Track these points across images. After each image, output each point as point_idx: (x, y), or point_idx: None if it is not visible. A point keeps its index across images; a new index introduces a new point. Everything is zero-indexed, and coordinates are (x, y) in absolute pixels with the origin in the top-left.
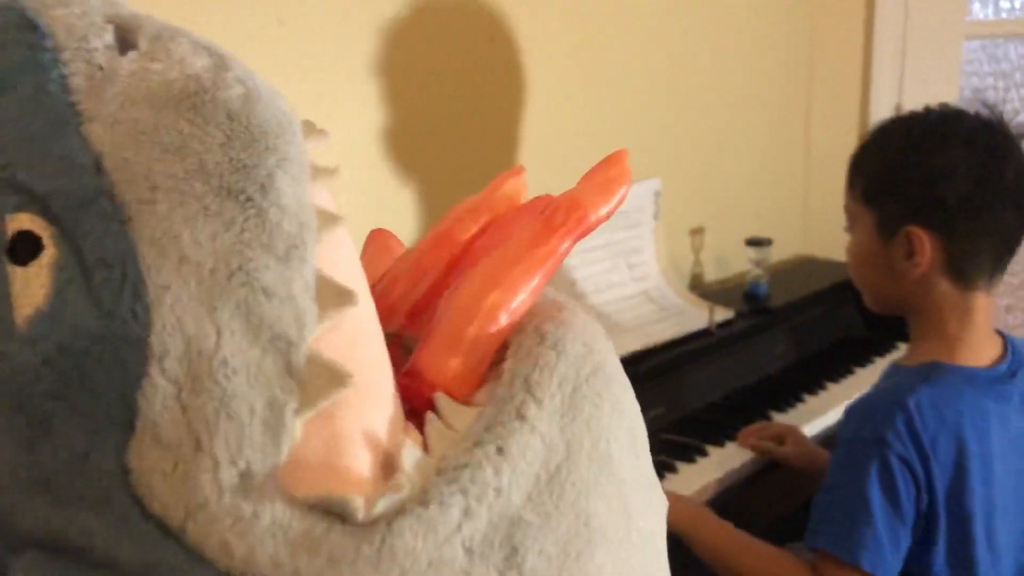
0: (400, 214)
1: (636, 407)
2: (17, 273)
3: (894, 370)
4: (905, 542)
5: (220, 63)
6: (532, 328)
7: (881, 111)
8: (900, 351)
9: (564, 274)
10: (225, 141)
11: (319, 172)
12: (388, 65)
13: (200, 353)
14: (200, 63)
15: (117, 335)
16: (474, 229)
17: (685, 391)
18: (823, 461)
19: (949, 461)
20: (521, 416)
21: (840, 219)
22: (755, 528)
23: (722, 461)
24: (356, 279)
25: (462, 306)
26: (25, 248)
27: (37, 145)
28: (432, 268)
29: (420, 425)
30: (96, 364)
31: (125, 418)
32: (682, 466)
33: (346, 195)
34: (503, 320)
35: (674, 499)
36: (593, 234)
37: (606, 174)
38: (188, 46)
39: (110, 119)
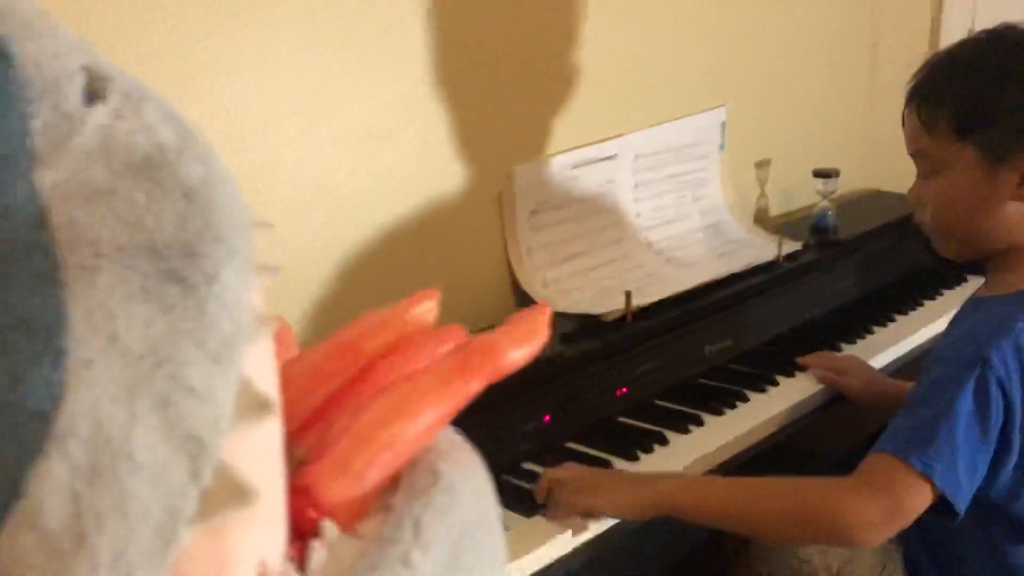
0: (446, 150)
1: (505, 562)
2: None
3: (979, 303)
4: (982, 469)
5: (185, 137)
6: (427, 465)
7: (953, 37)
8: (969, 284)
9: (627, 207)
10: (178, 223)
11: (262, 270)
12: None
13: (108, 441)
14: (167, 133)
15: (21, 404)
16: (382, 344)
17: (752, 323)
18: (890, 392)
19: None
20: (406, 562)
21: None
22: (818, 463)
23: (791, 392)
24: (275, 388)
25: (363, 431)
26: None
27: None
28: (332, 376)
29: (299, 547)
30: None
31: (6, 496)
32: (753, 395)
33: (391, 138)
34: (402, 452)
35: (648, 482)
36: (659, 167)
37: (528, 326)
38: (157, 112)
39: (65, 171)
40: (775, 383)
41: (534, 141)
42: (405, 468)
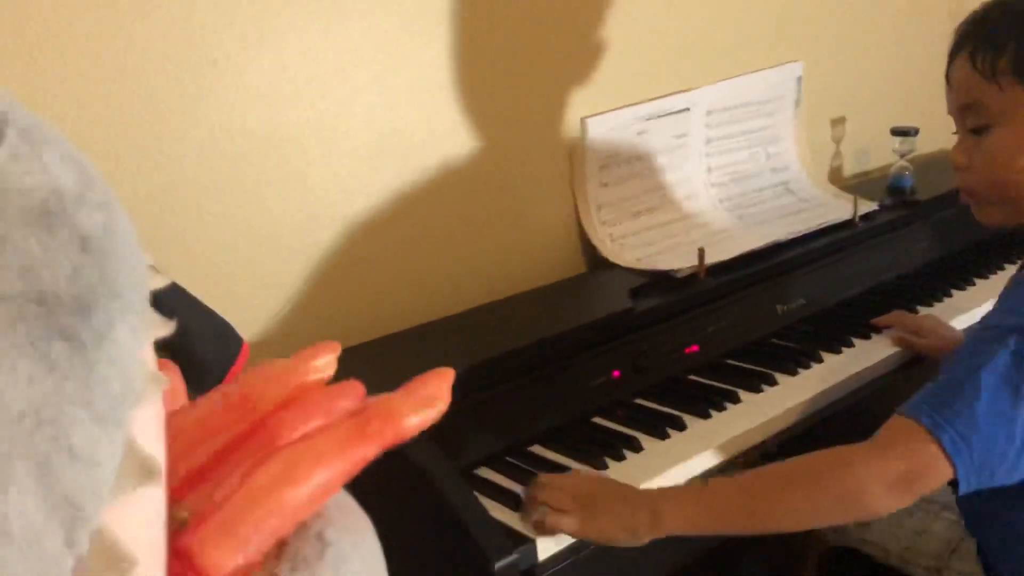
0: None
1: None
2: None
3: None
4: (1010, 447)
5: (86, 182)
6: (315, 533)
7: None
8: None
9: (698, 163)
10: (72, 275)
11: (155, 325)
12: None
13: None
14: (66, 178)
15: None
16: (276, 397)
17: (826, 284)
18: None
19: None
20: None
21: None
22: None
23: (866, 354)
24: (161, 451)
25: (250, 495)
26: None
27: None
28: (220, 431)
29: None
30: None
31: None
32: (827, 356)
33: (397, 127)
34: (290, 518)
35: (650, 505)
36: (731, 122)
37: (428, 390)
38: (57, 153)
39: None
40: (851, 344)
41: (607, 93)
42: (291, 533)
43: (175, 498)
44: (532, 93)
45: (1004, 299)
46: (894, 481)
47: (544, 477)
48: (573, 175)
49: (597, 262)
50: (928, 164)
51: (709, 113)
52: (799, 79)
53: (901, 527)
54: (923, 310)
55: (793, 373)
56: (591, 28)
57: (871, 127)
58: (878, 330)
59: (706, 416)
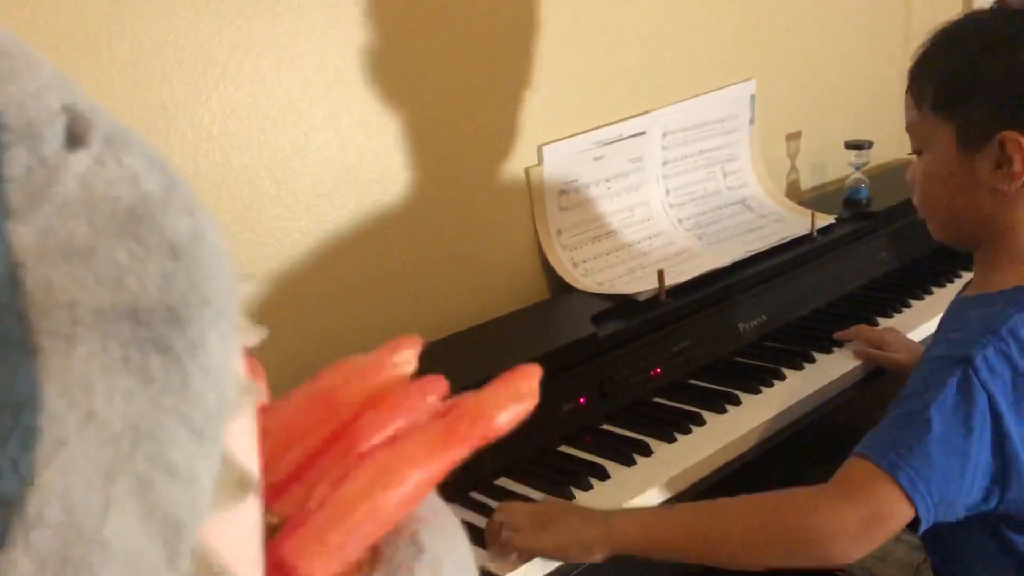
0: (390, 141)
1: None
2: None
3: (965, 303)
4: (969, 478)
5: (171, 186)
6: (408, 536)
7: (985, 4)
8: None
9: (657, 184)
10: (163, 284)
11: (248, 332)
12: None
13: (80, 530)
14: (152, 182)
15: None
16: (359, 395)
17: (787, 299)
18: None
19: None
20: None
21: None
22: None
23: (828, 369)
24: (256, 463)
25: (344, 501)
26: None
27: None
28: (308, 432)
29: None
30: None
31: None
32: (790, 372)
33: (330, 124)
34: (383, 523)
35: (603, 520)
36: (687, 142)
37: (518, 388)
38: (142, 158)
39: (42, 225)
40: (812, 360)
41: (562, 120)
42: (385, 537)
43: (265, 504)
44: (488, 123)
45: (947, 326)
46: (857, 531)
47: (503, 504)
48: (532, 202)
49: (560, 287)
50: (883, 176)
51: (665, 135)
52: (753, 97)
53: None
54: (883, 321)
55: (756, 391)
56: (545, 56)
57: (826, 141)
58: (840, 344)
59: (671, 440)
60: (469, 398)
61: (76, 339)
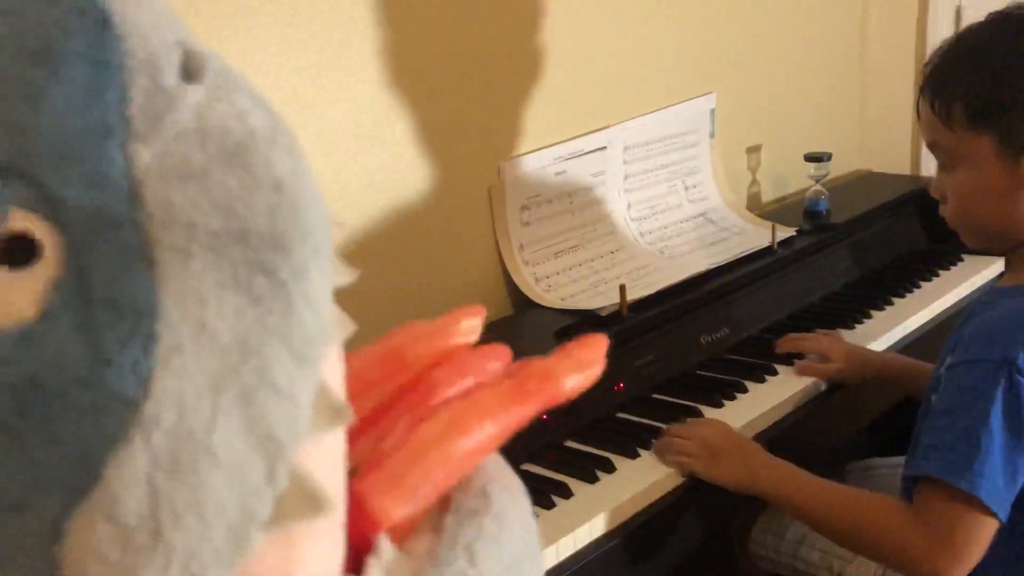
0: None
1: None
2: (1, 276)
3: (1000, 293)
4: (1021, 476)
5: (275, 126)
6: (477, 488)
7: (940, 17)
8: (965, 263)
9: (618, 199)
10: (269, 214)
11: (340, 270)
12: None
13: (191, 434)
14: (258, 119)
15: (107, 387)
16: (426, 355)
17: (749, 312)
18: (873, 361)
19: None
20: None
21: (899, 131)
22: (825, 451)
23: (791, 381)
24: (344, 395)
25: (419, 445)
26: (19, 252)
27: (73, 146)
28: (377, 384)
29: (351, 561)
30: (69, 411)
31: (82, 481)
32: (752, 386)
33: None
34: (455, 470)
35: (756, 468)
36: (648, 157)
37: (584, 355)
38: (249, 97)
39: (161, 148)
40: (774, 372)
41: (522, 136)
42: (454, 487)
43: None
44: (448, 140)
45: (980, 313)
46: (956, 561)
47: (687, 424)
48: (494, 218)
49: (523, 303)
50: (842, 187)
51: (626, 149)
52: (713, 110)
53: (835, 552)
54: (845, 332)
55: (719, 405)
56: (506, 72)
57: (786, 154)
58: (801, 356)
59: (634, 456)
60: (537, 362)
61: (191, 255)
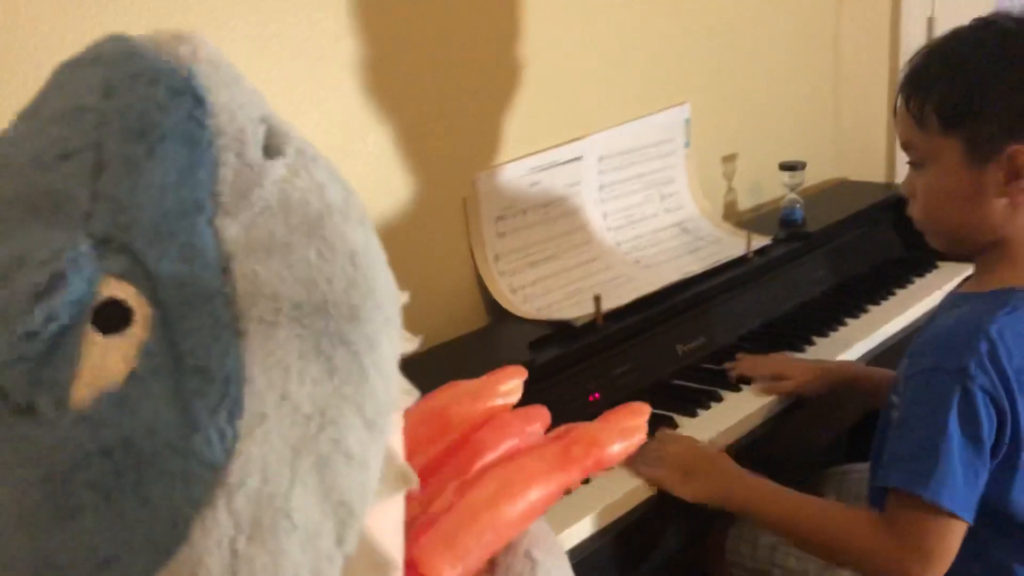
0: (376, 152)
1: None
2: (96, 341)
3: (959, 299)
4: (982, 478)
5: (349, 199)
6: (524, 552)
7: (912, 26)
8: (940, 271)
9: (593, 209)
10: (346, 286)
11: (406, 340)
12: None
13: (271, 499)
14: (334, 193)
15: (196, 452)
16: (470, 416)
17: (724, 321)
18: (834, 370)
19: None
20: None
21: (873, 139)
22: (800, 459)
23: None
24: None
25: (470, 509)
26: (112, 319)
27: (169, 221)
28: (423, 443)
29: None
30: (160, 474)
31: (169, 542)
32: (727, 394)
33: (318, 129)
34: (503, 534)
35: (729, 484)
36: (624, 167)
37: (628, 422)
38: (326, 171)
39: (247, 222)
40: (749, 381)
41: (497, 147)
42: (501, 551)
43: None
44: (423, 151)
45: (938, 318)
46: (928, 569)
47: (662, 433)
48: (469, 229)
49: (499, 314)
50: (817, 195)
51: (601, 159)
52: (687, 120)
53: (809, 557)
54: (819, 340)
55: (693, 415)
56: (480, 83)
57: (761, 163)
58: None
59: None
60: (582, 427)
61: (277, 326)
